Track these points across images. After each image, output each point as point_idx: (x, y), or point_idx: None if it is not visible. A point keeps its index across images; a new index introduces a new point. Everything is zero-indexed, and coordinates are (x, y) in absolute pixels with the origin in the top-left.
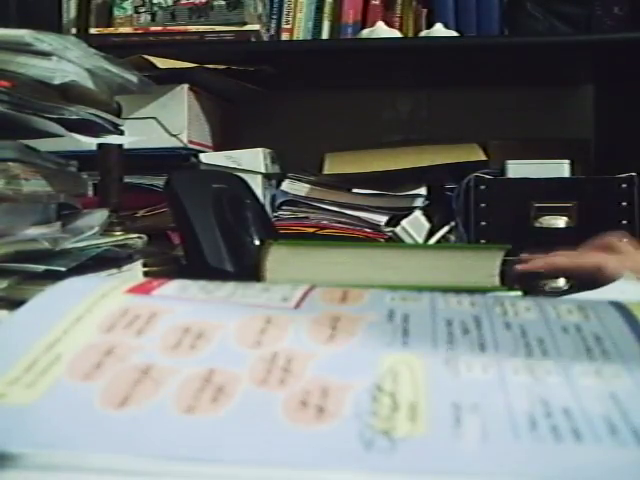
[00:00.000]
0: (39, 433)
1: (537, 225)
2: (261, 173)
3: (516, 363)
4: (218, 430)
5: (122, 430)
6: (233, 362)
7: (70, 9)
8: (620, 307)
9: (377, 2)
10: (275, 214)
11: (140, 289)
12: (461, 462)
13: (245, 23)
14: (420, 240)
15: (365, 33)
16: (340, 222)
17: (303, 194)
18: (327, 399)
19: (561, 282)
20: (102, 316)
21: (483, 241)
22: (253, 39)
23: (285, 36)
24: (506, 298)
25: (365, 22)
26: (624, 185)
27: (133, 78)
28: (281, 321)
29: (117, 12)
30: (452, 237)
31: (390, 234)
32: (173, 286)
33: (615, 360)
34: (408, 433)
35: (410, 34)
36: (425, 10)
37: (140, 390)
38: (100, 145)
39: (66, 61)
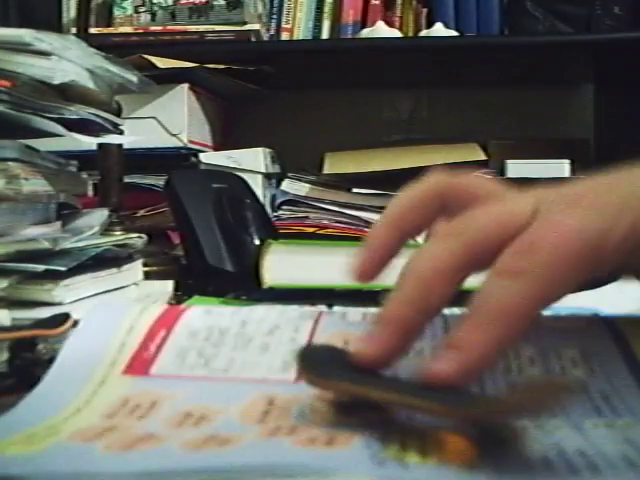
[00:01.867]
0: (40, 470)
1: None
2: (261, 173)
3: (523, 423)
4: (227, 458)
5: (129, 467)
6: (236, 431)
7: (70, 9)
8: (621, 345)
9: (377, 2)
10: (275, 214)
11: (138, 365)
12: None
13: (245, 23)
14: (420, 240)
15: (365, 33)
16: (340, 222)
17: (303, 194)
18: (336, 439)
19: None
20: (102, 407)
21: None
22: (253, 39)
23: (285, 36)
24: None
25: (365, 22)
26: None
27: (133, 78)
28: (283, 402)
29: (117, 12)
30: None
31: None
32: (171, 354)
33: (625, 415)
34: (420, 461)
35: (410, 34)
36: (425, 10)
37: (144, 443)
38: (100, 145)
39: (66, 61)
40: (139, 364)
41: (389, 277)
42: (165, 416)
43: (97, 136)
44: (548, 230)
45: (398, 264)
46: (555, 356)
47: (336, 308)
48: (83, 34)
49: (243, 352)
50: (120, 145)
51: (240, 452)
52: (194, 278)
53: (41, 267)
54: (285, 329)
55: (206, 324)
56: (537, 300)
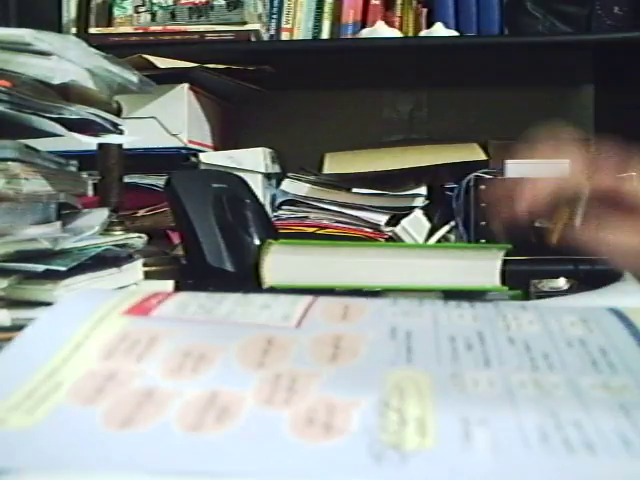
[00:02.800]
0: (41, 453)
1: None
2: (261, 173)
3: (522, 377)
4: (223, 447)
5: (126, 448)
6: (236, 384)
7: (70, 9)
8: (621, 316)
9: (377, 2)
10: (275, 214)
11: (139, 309)
12: (473, 474)
13: (245, 23)
14: (420, 240)
15: (365, 33)
16: (340, 222)
17: (303, 194)
18: (333, 416)
19: (561, 282)
20: (101, 342)
21: (483, 241)
22: (253, 39)
23: (285, 36)
24: (508, 310)
25: (365, 22)
26: None
27: (133, 78)
28: (283, 341)
29: (117, 12)
30: (452, 237)
31: (390, 234)
32: (172, 304)
33: (622, 372)
34: (418, 446)
35: (410, 34)
36: (425, 10)
37: (143, 412)
38: (100, 145)
39: (66, 61)
40: (140, 309)
41: (389, 277)
42: (164, 356)
43: (97, 136)
44: None
45: (398, 264)
46: (554, 319)
47: None
48: (83, 34)
49: (244, 307)
50: (120, 145)
51: (238, 437)
52: (194, 278)
53: (41, 267)
54: (284, 298)
55: (205, 294)
56: None
